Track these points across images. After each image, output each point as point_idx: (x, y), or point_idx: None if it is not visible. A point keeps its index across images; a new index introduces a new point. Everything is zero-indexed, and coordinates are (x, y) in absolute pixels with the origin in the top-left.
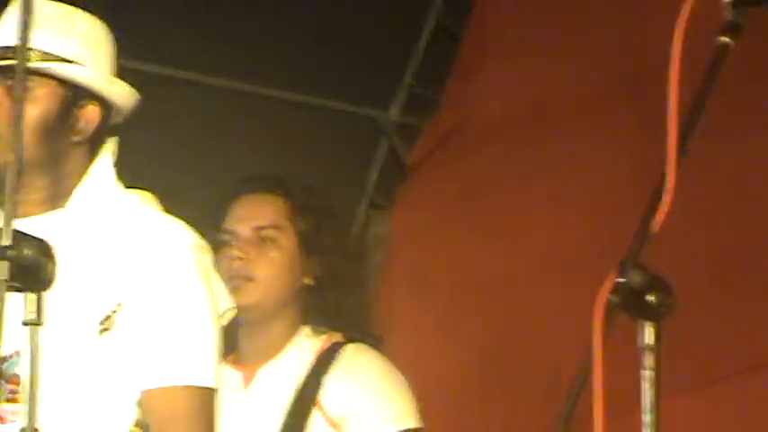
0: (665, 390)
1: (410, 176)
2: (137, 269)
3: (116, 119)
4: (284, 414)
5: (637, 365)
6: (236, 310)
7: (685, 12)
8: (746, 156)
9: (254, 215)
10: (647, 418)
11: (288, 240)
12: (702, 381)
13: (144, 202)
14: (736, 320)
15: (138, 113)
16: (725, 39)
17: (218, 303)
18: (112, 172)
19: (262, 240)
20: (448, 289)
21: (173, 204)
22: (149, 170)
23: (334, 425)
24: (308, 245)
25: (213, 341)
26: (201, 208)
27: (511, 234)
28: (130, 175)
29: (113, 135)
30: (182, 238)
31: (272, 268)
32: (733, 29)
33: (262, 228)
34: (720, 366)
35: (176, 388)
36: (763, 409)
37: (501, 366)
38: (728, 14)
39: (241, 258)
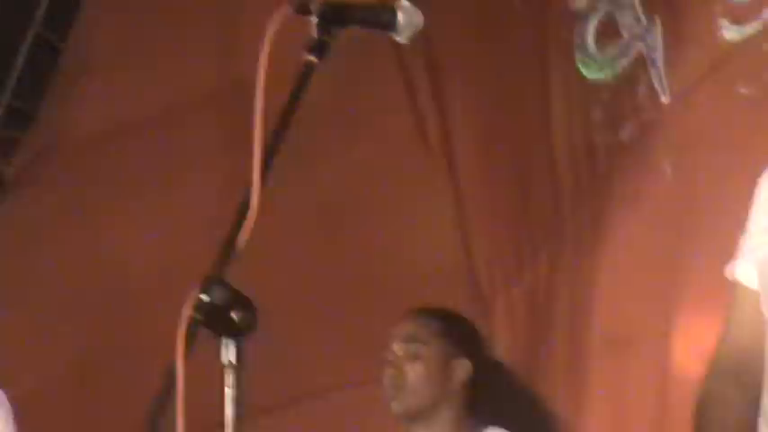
0: (261, 403)
1: (8, 191)
2: None
3: None
4: None
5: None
6: None
7: (271, 31)
8: (335, 171)
9: None
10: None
11: None
12: (297, 395)
13: None
14: (329, 338)
15: None
16: (310, 57)
17: None
18: None
19: None
20: (41, 302)
21: None
22: None
23: None
24: None
25: None
26: None
27: (103, 248)
28: None
29: None
30: None
31: None
32: (319, 48)
33: None
34: (313, 382)
35: None
36: (352, 423)
37: (94, 379)
38: (314, 33)
39: None
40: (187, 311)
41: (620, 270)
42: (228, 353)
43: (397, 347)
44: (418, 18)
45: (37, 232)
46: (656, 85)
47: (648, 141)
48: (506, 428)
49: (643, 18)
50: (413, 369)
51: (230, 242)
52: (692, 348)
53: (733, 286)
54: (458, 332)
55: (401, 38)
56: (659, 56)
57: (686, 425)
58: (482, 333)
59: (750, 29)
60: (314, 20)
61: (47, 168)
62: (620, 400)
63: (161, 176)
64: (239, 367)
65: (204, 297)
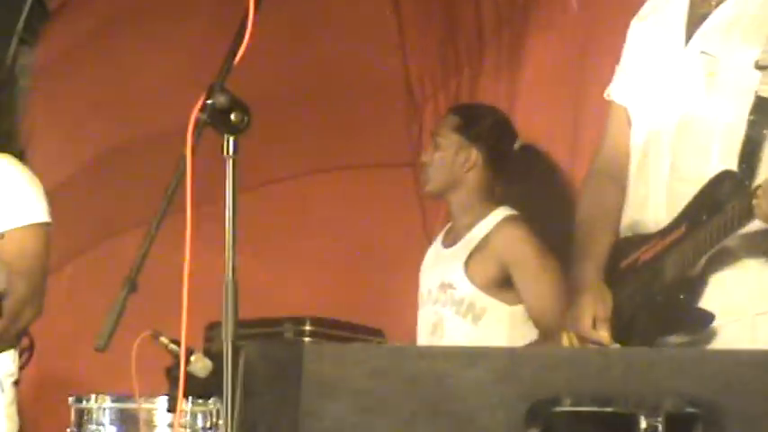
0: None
1: (52, 18)
2: None
3: None
4: None
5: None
6: None
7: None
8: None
9: None
10: (228, 210)
11: None
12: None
13: None
14: (294, 135)
15: None
16: None
17: None
18: None
19: None
20: (74, 108)
21: None
22: None
23: None
24: None
25: None
26: None
27: (124, 64)
28: None
29: None
30: None
31: None
32: None
33: None
34: (278, 171)
35: None
36: (306, 206)
37: (117, 169)
38: None
39: None
40: (195, 113)
41: (534, 85)
42: (229, 147)
43: (431, 140)
44: None
45: (72, 50)
46: None
47: None
48: (521, 206)
49: None
50: (433, 157)
51: (230, 56)
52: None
53: (609, 104)
54: (473, 126)
55: None
56: None
57: None
58: (505, 126)
59: None
60: None
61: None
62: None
63: (174, 6)
64: (236, 158)
65: (209, 102)
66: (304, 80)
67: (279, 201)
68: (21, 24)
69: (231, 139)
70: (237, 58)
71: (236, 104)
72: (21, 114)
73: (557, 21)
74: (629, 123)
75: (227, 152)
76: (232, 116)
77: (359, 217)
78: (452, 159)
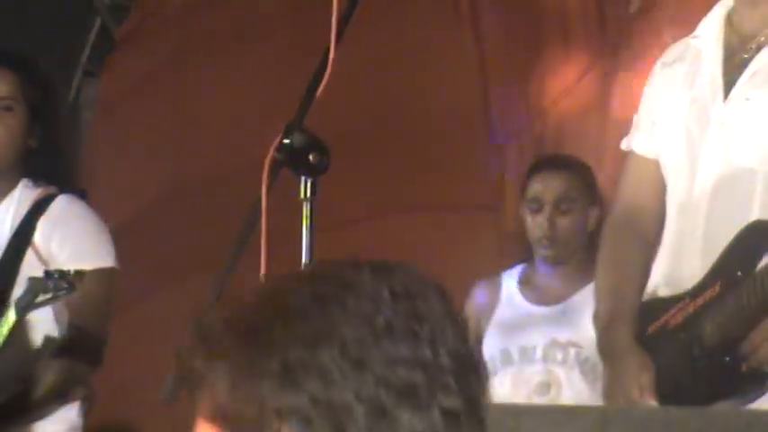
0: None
1: (118, 48)
2: None
3: None
4: (1, 253)
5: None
6: None
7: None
8: (382, 33)
9: None
10: (304, 255)
11: (20, 109)
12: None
13: None
14: (368, 174)
15: None
16: None
17: None
18: None
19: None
20: (140, 142)
21: None
22: None
23: (43, 261)
24: (36, 113)
25: None
26: None
27: (192, 97)
28: None
29: None
30: None
31: (8, 133)
32: None
33: (1, 98)
34: (357, 211)
35: None
36: (386, 244)
37: (181, 209)
38: None
39: None
40: (271, 153)
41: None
42: (306, 189)
43: (549, 198)
44: None
45: (139, 82)
46: None
47: (652, 15)
48: None
49: None
50: (563, 222)
51: (310, 93)
52: None
53: (626, 155)
54: (592, 182)
55: None
56: None
57: None
58: None
59: None
60: None
61: (152, 30)
62: None
63: (244, 38)
64: (314, 200)
65: (286, 141)
66: (380, 116)
67: (351, 244)
68: (86, 54)
69: (309, 180)
70: (317, 95)
71: (314, 144)
72: (83, 149)
73: (651, 59)
74: (655, 175)
75: (305, 195)
76: (310, 157)
77: (436, 261)
78: (583, 224)
